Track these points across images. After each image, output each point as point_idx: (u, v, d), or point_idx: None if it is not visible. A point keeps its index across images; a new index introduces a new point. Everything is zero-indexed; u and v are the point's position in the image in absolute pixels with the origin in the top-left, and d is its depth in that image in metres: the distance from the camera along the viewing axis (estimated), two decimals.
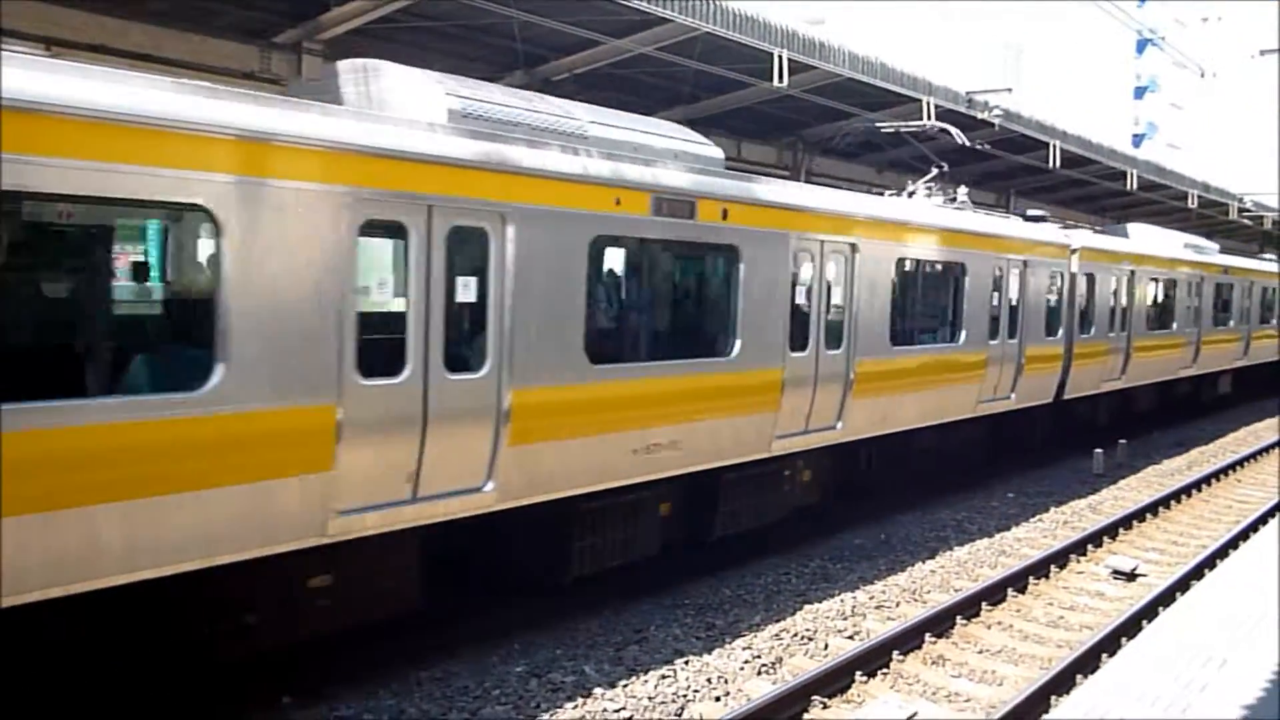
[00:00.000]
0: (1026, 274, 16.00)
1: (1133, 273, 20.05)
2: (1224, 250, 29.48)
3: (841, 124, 18.27)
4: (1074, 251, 17.83)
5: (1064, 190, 27.47)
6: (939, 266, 14.32)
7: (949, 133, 16.11)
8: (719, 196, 10.08)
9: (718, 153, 10.73)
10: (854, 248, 12.08)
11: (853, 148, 21.06)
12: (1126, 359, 20.07)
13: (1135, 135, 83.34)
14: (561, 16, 12.15)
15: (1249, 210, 33.57)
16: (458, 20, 12.41)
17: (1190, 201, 29.31)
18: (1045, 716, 6.74)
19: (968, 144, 16.61)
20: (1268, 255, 34.65)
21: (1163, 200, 29.49)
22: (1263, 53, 32.08)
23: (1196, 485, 17.32)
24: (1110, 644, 9.43)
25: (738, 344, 10.43)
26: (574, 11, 12.07)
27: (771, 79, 13.98)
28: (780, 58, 13.81)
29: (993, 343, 15.19)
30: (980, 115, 18.27)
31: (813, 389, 11.48)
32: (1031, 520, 14.81)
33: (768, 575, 11.48)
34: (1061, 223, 23.05)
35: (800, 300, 11.44)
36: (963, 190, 15.98)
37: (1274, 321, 31.54)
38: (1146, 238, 22.60)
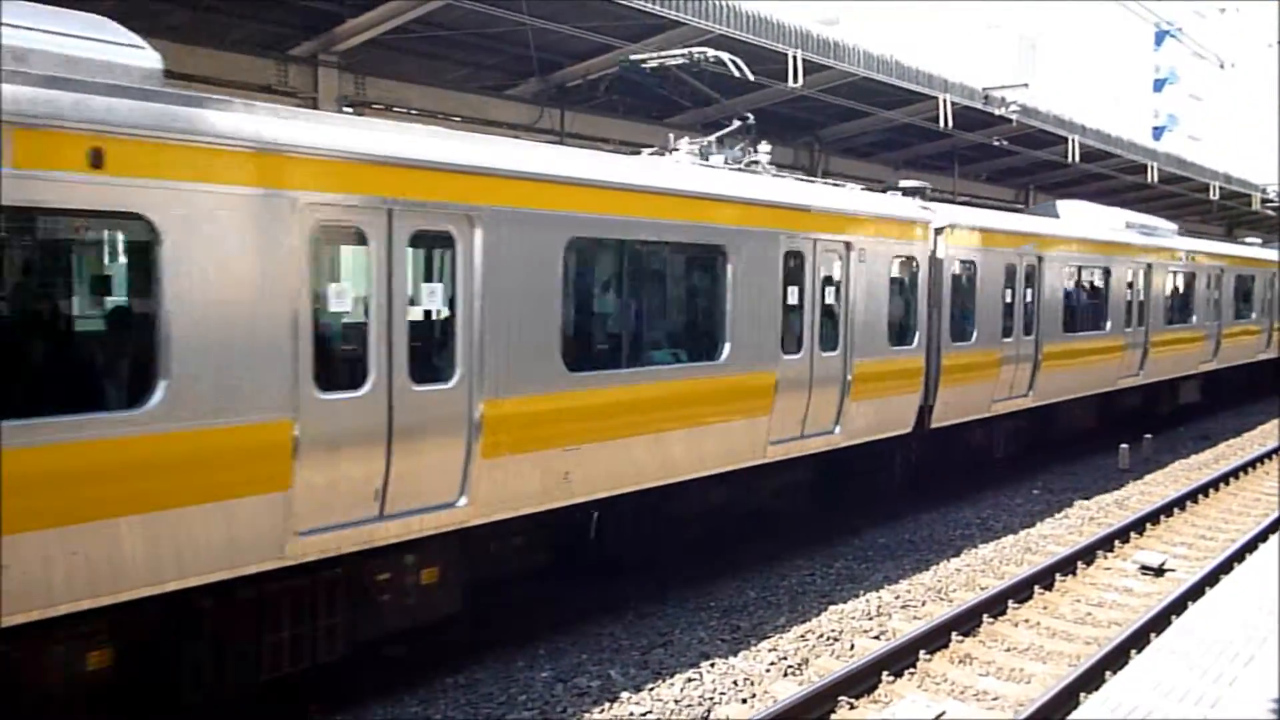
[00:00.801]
0: (853, 261, 11.82)
1: (1040, 259, 16.09)
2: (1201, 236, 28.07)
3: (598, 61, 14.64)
4: (938, 231, 13.80)
5: (1085, 185, 27.32)
6: (680, 251, 10.38)
7: (724, 62, 11.61)
8: None
9: None
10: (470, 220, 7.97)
11: (867, 146, 21.04)
12: (1035, 370, 16.13)
13: (1155, 128, 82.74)
14: (575, 22, 12.19)
15: (1272, 201, 33.28)
16: (471, 29, 12.48)
17: (1212, 193, 29.09)
18: (1074, 713, 6.69)
19: (750, 77, 12.29)
20: (1251, 239, 32.78)
21: (1184, 193, 29.29)
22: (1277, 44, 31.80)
23: (1224, 479, 17.17)
24: (1139, 640, 9.35)
25: None
26: (587, 17, 12.11)
27: (787, 80, 13.97)
28: (795, 58, 13.81)
29: (790, 358, 10.98)
30: (997, 111, 18.20)
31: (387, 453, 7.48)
32: (1057, 516, 14.71)
33: (792, 576, 11.45)
34: (955, 198, 21.61)
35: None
36: (764, 149, 11.81)
37: (1254, 316, 27.13)
38: (1075, 216, 19.24)
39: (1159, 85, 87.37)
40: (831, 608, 10.46)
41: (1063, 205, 19.65)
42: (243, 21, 11.89)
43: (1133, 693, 6.79)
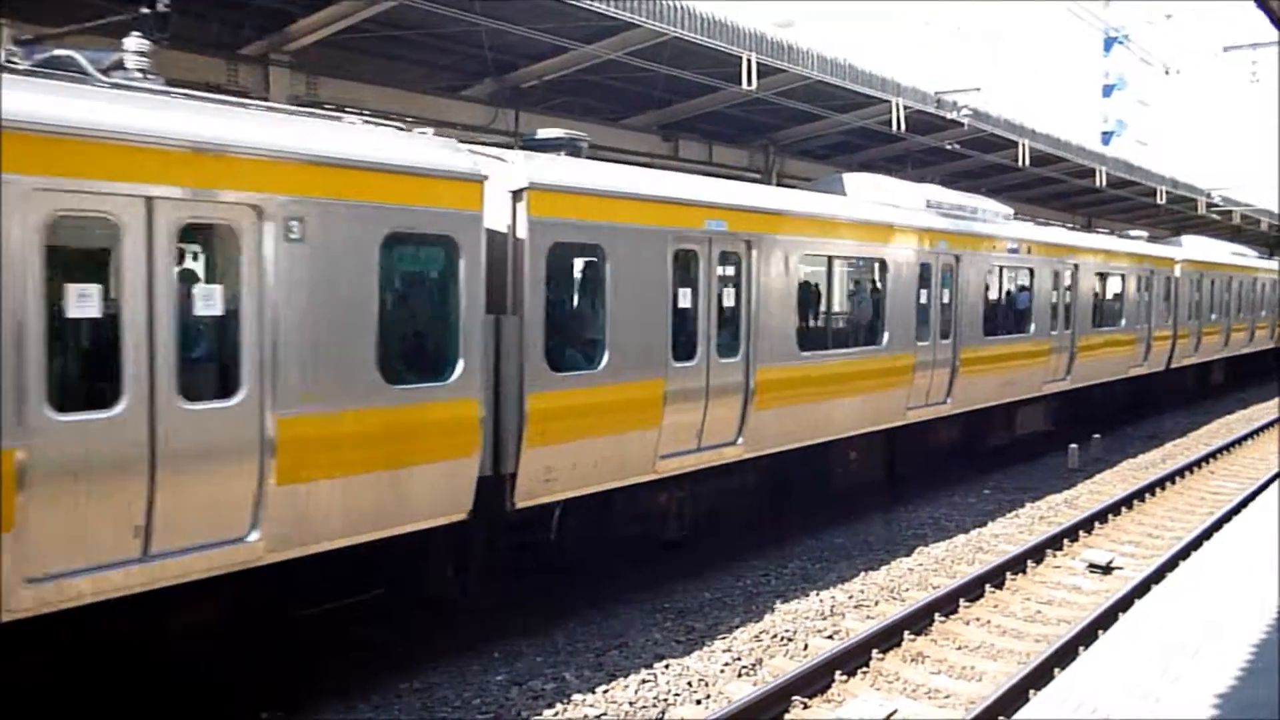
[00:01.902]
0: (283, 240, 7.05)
1: (749, 243, 11.30)
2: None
3: None
4: (518, 193, 8.77)
5: (1035, 188, 27.67)
6: None
7: None
8: None
9: None
10: None
11: (823, 149, 21.20)
12: (707, 410, 10.68)
13: (1105, 133, 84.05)
14: (530, 23, 12.15)
15: (1217, 205, 33.91)
16: (426, 29, 12.40)
17: (1159, 197, 29.58)
18: (1023, 710, 6.77)
19: None
20: (1135, 233, 27.88)
21: (1132, 197, 29.76)
22: (1226, 49, 32.42)
23: (1170, 478, 17.47)
24: (1087, 637, 9.48)
25: None
26: (542, 18, 12.07)
27: (741, 82, 14.03)
28: (749, 61, 13.86)
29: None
30: (949, 115, 18.39)
31: None
32: (1008, 516, 14.89)
33: (747, 577, 11.50)
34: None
35: None
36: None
37: (1123, 323, 21.98)
38: (868, 191, 14.75)
39: (1108, 91, 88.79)
40: (786, 608, 10.51)
41: (854, 179, 15.26)
42: (191, 19, 11.73)
43: (1081, 688, 6.89)
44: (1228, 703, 6.57)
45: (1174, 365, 25.39)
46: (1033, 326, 17.88)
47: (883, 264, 13.90)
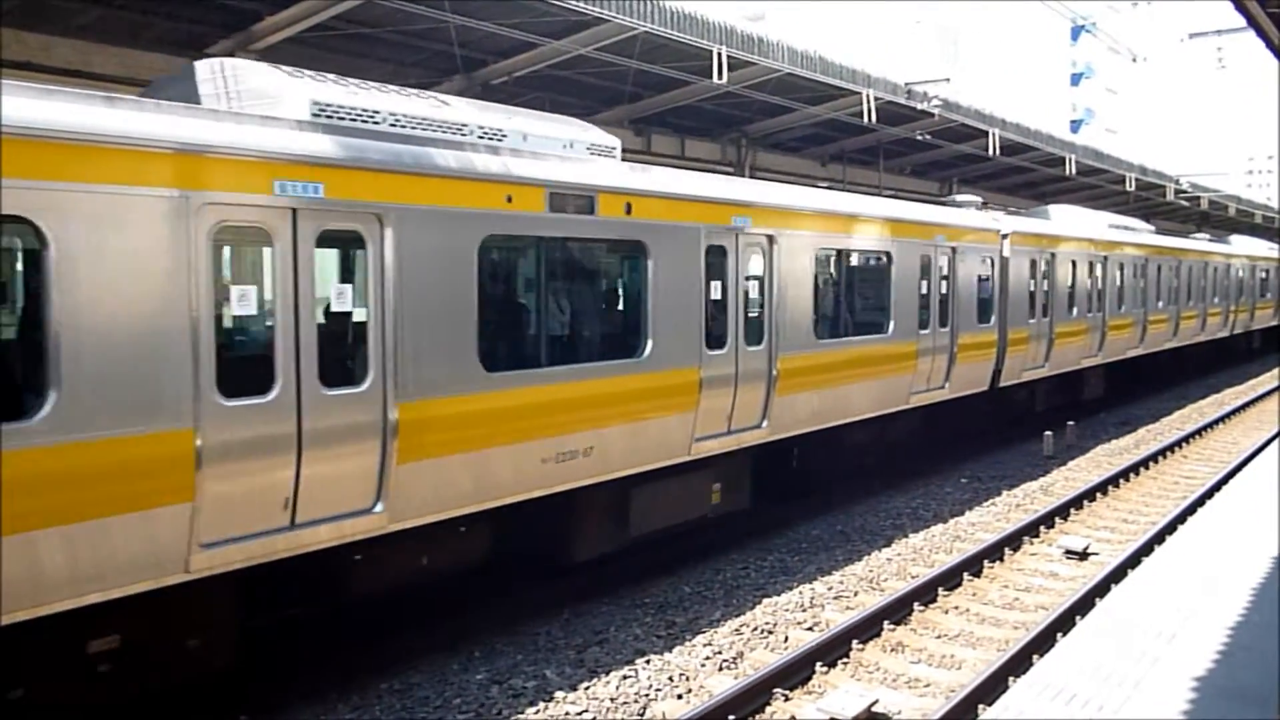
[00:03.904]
0: None
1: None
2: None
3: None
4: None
5: (1006, 177, 27.83)
6: None
7: None
8: None
9: None
10: None
11: (795, 141, 21.23)
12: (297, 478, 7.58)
13: (1073, 121, 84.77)
14: (498, 19, 12.09)
15: (1185, 191, 34.23)
16: (394, 26, 12.31)
17: (1128, 185, 29.82)
18: (1003, 697, 6.80)
19: None
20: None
21: (1102, 184, 29.99)
22: (1191, 36, 32.72)
23: (1144, 463, 17.60)
24: (1065, 623, 9.55)
25: None
26: (511, 14, 12.02)
27: (712, 76, 14.01)
28: (719, 55, 13.85)
29: None
30: (920, 106, 18.45)
31: None
32: (985, 504, 14.97)
33: (726, 570, 11.51)
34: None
35: None
36: None
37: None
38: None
39: (1076, 79, 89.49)
40: (766, 600, 10.52)
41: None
42: (157, 19, 11.60)
43: (1059, 674, 6.92)
44: (1205, 686, 6.62)
45: (1003, 384, 17.88)
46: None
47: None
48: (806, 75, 15.80)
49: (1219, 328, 32.18)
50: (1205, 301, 30.18)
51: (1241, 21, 10.51)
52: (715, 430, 11.20)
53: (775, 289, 11.91)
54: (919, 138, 20.93)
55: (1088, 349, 21.75)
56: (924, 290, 14.96)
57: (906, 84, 18.26)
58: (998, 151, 21.79)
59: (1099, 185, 30.13)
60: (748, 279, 11.67)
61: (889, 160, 24.21)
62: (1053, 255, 19.45)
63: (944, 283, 15.57)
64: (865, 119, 17.32)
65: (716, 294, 11.10)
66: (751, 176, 18.90)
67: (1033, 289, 18.68)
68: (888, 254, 14.32)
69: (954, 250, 15.78)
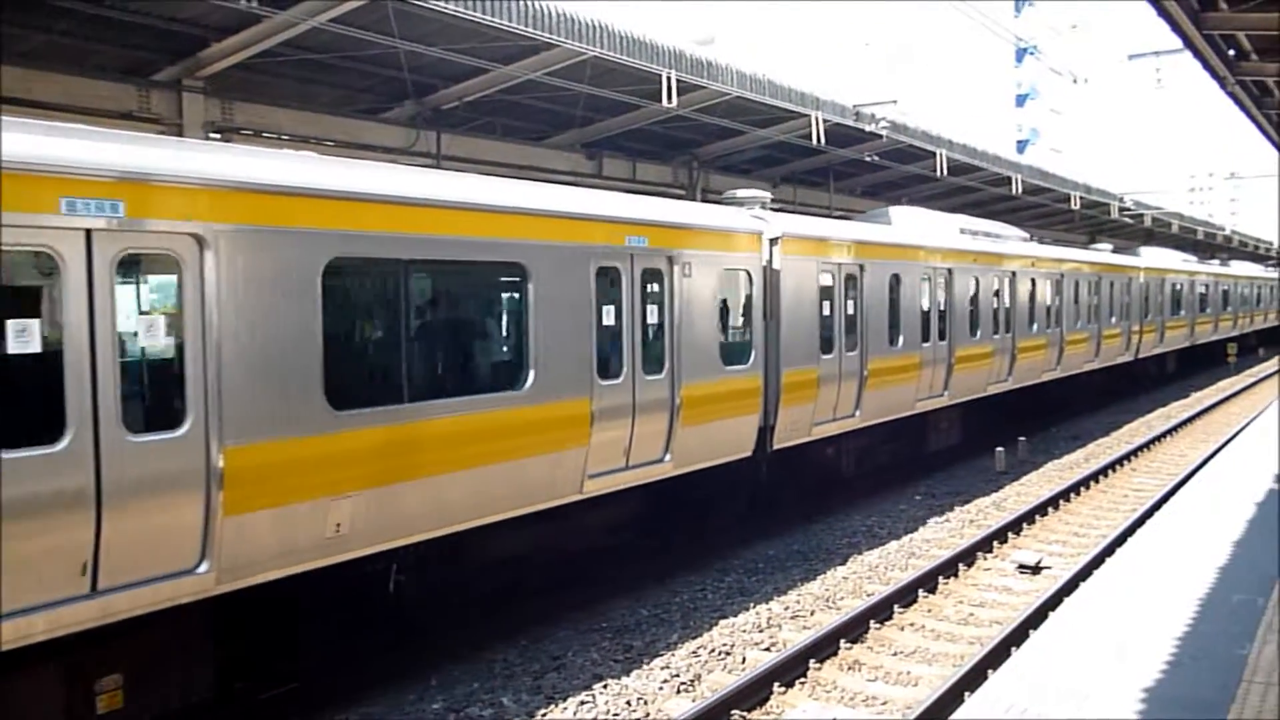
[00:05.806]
0: None
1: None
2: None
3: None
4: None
5: (955, 197, 28.22)
6: None
7: None
8: None
9: None
10: None
11: (746, 163, 21.40)
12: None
13: (1019, 141, 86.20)
14: (448, 45, 12.10)
15: (1129, 209, 34.89)
16: (342, 52, 12.28)
17: (1073, 203, 30.34)
18: (957, 712, 6.84)
19: None
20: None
21: (1048, 203, 30.49)
22: (1131, 57, 33.45)
23: (1094, 477, 17.85)
24: (1018, 637, 9.62)
25: None
26: (460, 39, 12.03)
27: (662, 100, 14.10)
28: (669, 78, 13.95)
29: None
30: (868, 128, 18.67)
31: None
32: (939, 520, 15.10)
33: (684, 593, 11.50)
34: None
35: None
36: None
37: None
38: None
39: (1021, 100, 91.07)
40: (723, 622, 10.52)
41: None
42: (102, 46, 11.49)
43: (1012, 689, 6.98)
44: (1154, 698, 6.70)
45: (779, 445, 13.34)
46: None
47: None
48: (755, 98, 15.96)
49: (1119, 352, 27.78)
50: (1100, 321, 25.87)
51: (1179, 43, 10.80)
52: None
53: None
54: (868, 159, 21.18)
55: (928, 388, 17.17)
56: (608, 320, 10.58)
57: (855, 106, 18.48)
58: (945, 172, 22.10)
59: (1045, 204, 30.63)
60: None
61: (839, 181, 24.47)
62: (861, 267, 15.00)
63: (652, 309, 11.23)
64: (814, 141, 17.50)
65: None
66: (703, 199, 19.01)
67: (828, 313, 14.26)
68: (520, 266, 9.53)
69: (670, 260, 11.31)
